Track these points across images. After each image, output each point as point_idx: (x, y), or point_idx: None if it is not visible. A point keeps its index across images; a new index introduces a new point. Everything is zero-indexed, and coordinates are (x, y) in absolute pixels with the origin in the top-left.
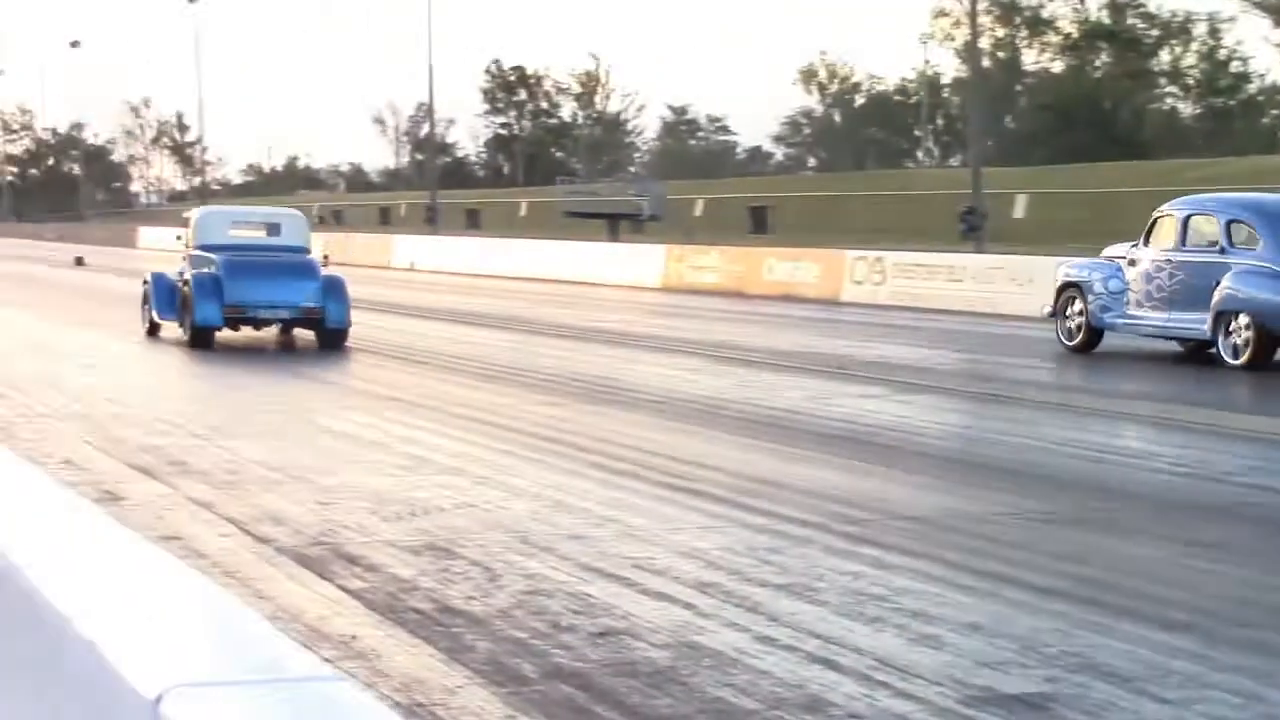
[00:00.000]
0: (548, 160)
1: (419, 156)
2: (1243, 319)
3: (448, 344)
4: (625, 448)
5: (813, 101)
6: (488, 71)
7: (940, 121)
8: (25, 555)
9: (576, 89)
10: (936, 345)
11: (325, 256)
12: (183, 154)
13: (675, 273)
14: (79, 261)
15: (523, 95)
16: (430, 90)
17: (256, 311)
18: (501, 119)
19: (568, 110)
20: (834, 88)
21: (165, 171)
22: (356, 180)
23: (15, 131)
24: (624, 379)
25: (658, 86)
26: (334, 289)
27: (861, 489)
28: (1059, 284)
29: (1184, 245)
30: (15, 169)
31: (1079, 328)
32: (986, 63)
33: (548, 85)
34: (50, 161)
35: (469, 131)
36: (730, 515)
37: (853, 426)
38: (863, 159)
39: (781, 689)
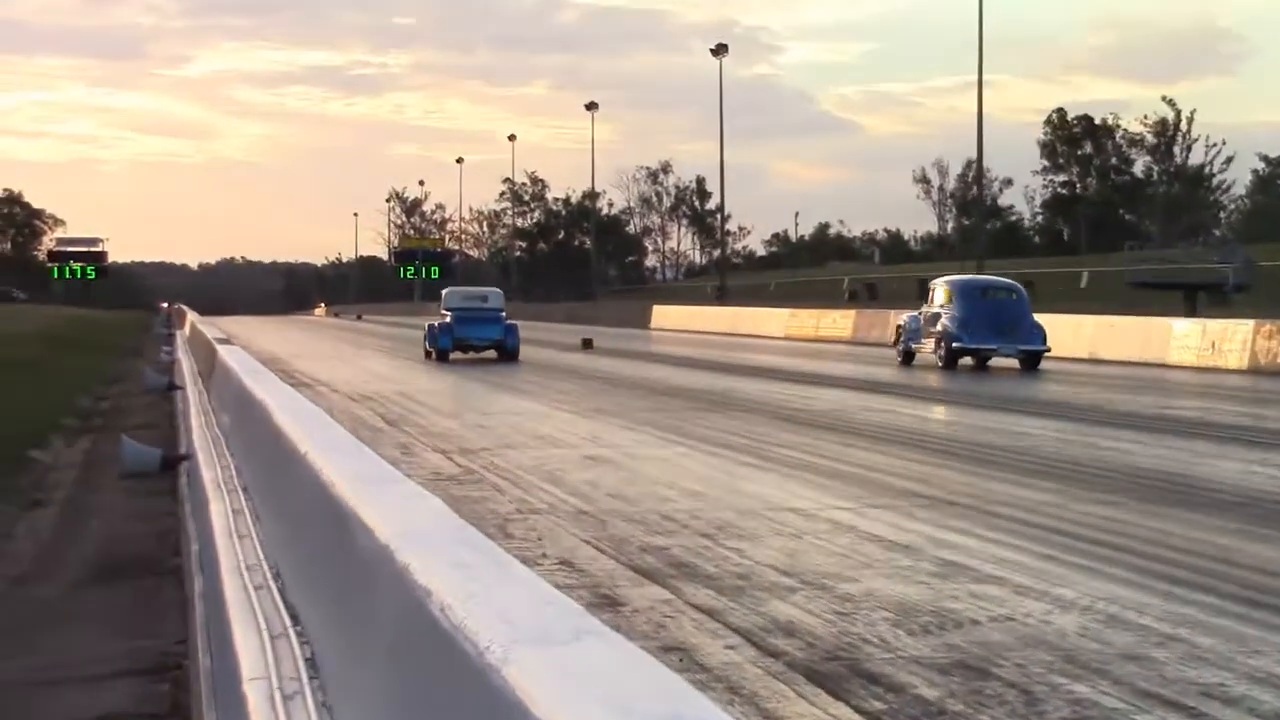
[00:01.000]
0: (1115, 223)
1: (966, 221)
2: (940, 341)
3: (979, 432)
4: (1194, 555)
5: None
6: (1048, 122)
7: None
8: (516, 669)
9: (1150, 140)
10: None
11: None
12: (702, 223)
13: (1266, 352)
14: (587, 344)
15: (1088, 148)
16: (979, 145)
17: (470, 342)
18: (1063, 177)
19: (1140, 165)
20: None
21: (683, 243)
22: (894, 249)
23: (525, 203)
24: (1197, 476)
25: (1248, 133)
26: (511, 330)
27: None
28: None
29: (930, 303)
30: (524, 243)
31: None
32: None
33: (1118, 136)
34: (560, 235)
35: (1024, 193)
36: None
37: None
38: None
39: None
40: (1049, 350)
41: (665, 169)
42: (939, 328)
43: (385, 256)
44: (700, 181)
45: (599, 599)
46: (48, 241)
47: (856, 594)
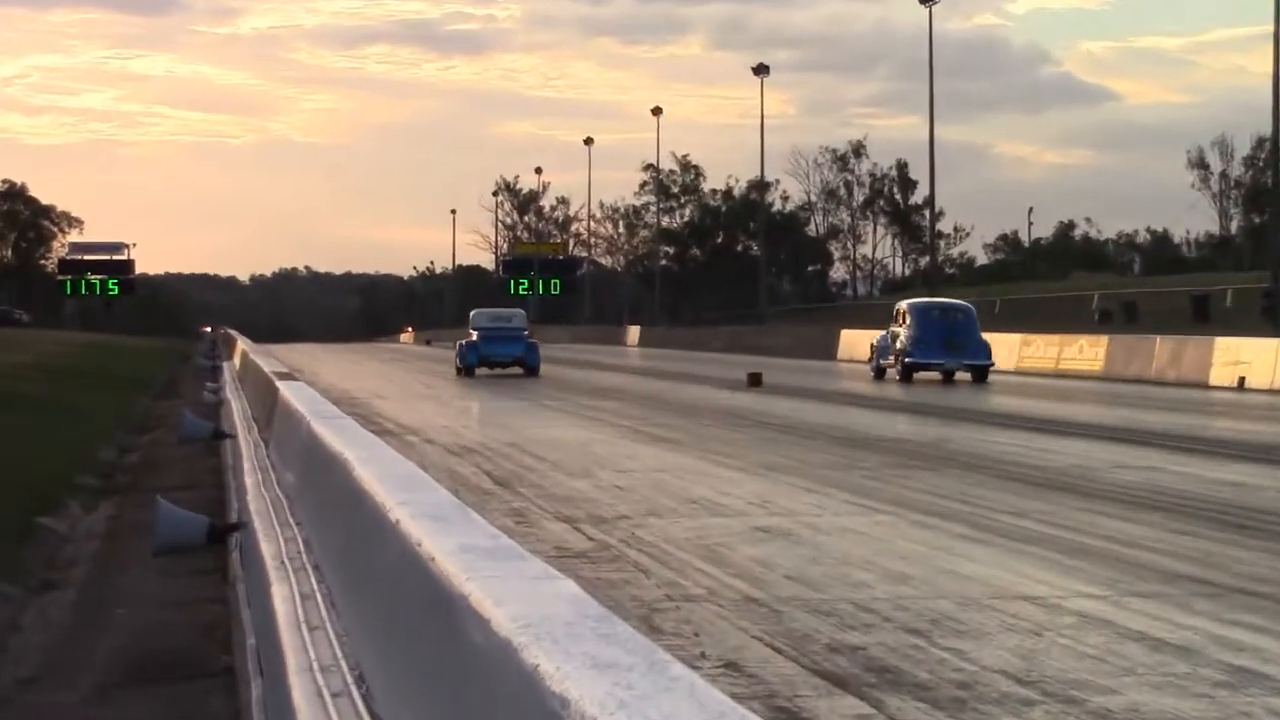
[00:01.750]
0: None
1: (1257, 219)
2: (898, 358)
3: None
4: None
5: None
6: None
7: None
8: None
9: None
10: None
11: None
12: (905, 222)
13: None
14: (754, 380)
15: None
16: (1276, 118)
17: (494, 359)
18: None
19: None
20: None
21: (880, 249)
22: (1160, 256)
23: (674, 197)
24: None
25: None
26: (532, 348)
27: None
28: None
29: (896, 323)
30: (671, 249)
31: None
32: None
33: None
34: (719, 238)
35: None
36: None
37: None
38: None
39: None
40: (993, 365)
41: (857, 151)
42: (898, 345)
43: (491, 266)
44: (902, 168)
45: (776, 713)
46: (58, 248)
47: (1116, 710)
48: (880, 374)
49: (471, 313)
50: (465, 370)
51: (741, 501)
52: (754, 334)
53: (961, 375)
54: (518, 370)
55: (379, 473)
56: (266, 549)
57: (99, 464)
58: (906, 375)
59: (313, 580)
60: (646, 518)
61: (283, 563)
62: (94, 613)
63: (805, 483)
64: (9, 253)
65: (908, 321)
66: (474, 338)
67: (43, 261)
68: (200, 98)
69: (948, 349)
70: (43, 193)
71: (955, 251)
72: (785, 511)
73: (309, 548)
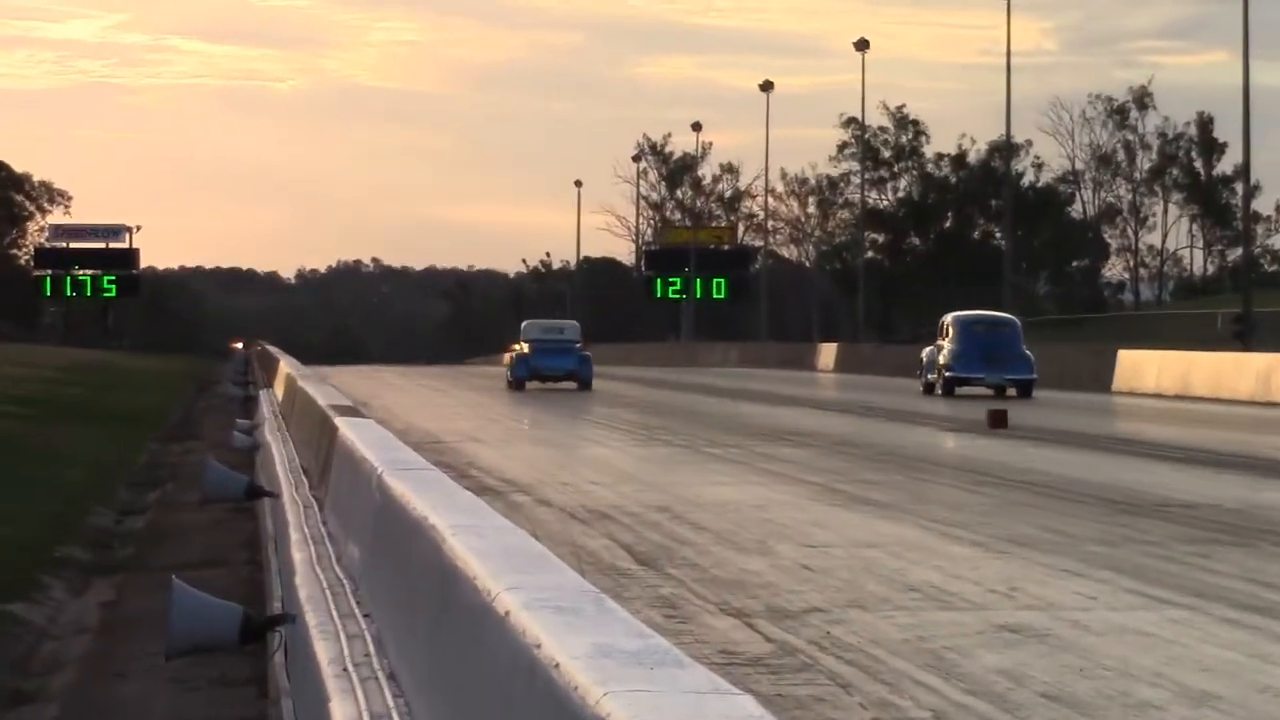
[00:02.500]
0: None
1: None
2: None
3: None
4: None
5: None
6: None
7: None
8: None
9: None
10: None
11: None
12: (1210, 200)
13: None
14: (996, 420)
15: None
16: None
17: (545, 372)
18: None
19: None
20: None
21: (1175, 237)
22: None
23: (884, 163)
24: None
25: None
26: (585, 360)
27: None
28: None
29: (941, 337)
30: (880, 236)
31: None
32: None
33: None
34: (946, 222)
35: None
36: None
37: None
38: None
39: None
40: (1035, 379)
41: (1140, 101)
42: (940, 360)
43: (630, 259)
44: (1205, 124)
45: None
46: (35, 232)
47: None
48: (929, 390)
49: (523, 324)
50: (515, 384)
51: (979, 589)
52: None
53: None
54: (662, 404)
55: (480, 546)
56: (322, 650)
57: (90, 531)
58: (949, 389)
59: (387, 695)
60: (847, 610)
61: (345, 670)
62: None
63: (1067, 563)
64: None
65: (951, 335)
66: (525, 350)
67: (14, 251)
68: (230, 25)
69: (988, 363)
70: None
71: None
72: (1040, 603)
73: (381, 649)
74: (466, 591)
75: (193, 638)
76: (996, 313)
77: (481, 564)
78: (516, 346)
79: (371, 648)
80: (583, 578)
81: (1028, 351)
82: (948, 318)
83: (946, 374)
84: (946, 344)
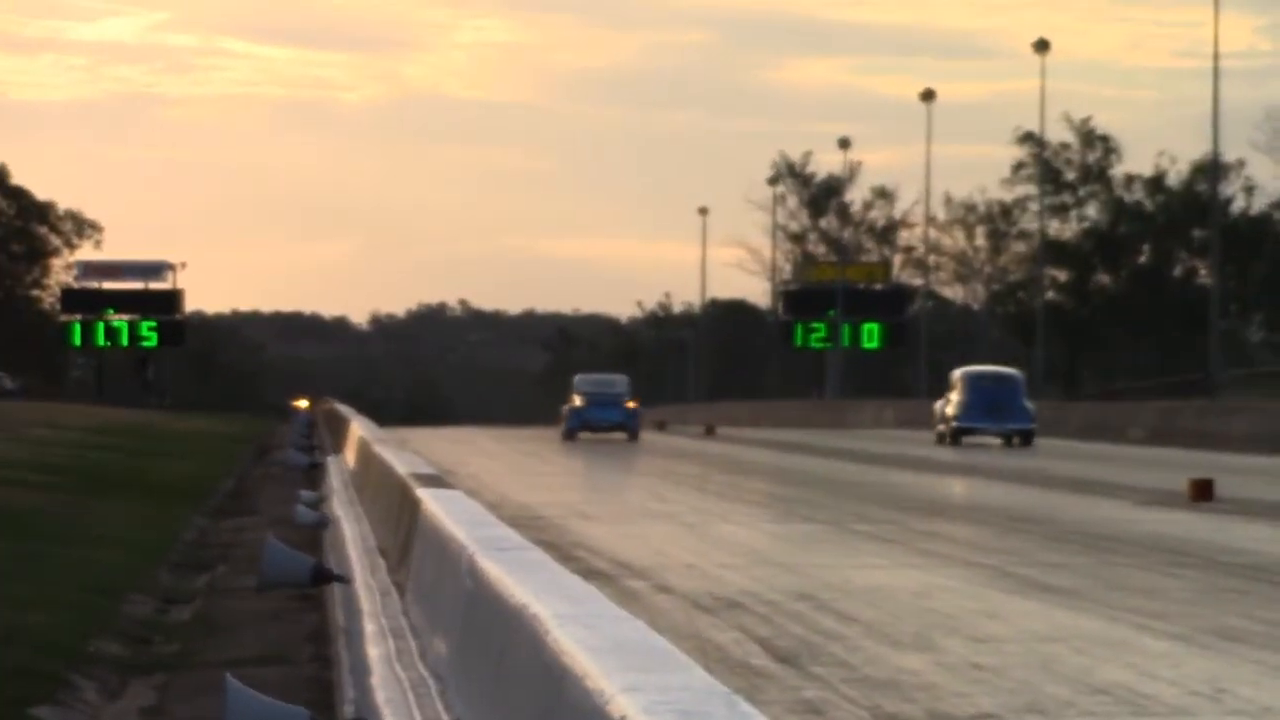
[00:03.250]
0: None
1: None
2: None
3: None
4: None
5: None
6: None
7: None
8: None
9: None
10: None
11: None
12: None
13: None
14: (1200, 491)
15: None
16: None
17: (595, 423)
18: None
19: None
20: None
21: None
22: None
23: (1069, 186)
24: None
25: None
26: (633, 415)
27: None
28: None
29: (950, 390)
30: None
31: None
32: None
33: None
34: (1141, 256)
35: None
36: None
37: None
38: None
39: None
40: (1035, 428)
41: None
42: (949, 411)
43: (765, 301)
44: None
45: None
46: (62, 270)
47: None
48: (941, 440)
49: (575, 378)
50: (568, 435)
51: (1179, 691)
52: (1201, 413)
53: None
54: (801, 472)
55: (590, 639)
56: None
57: (127, 622)
58: (955, 439)
59: None
60: (1023, 716)
61: None
62: None
63: None
64: None
65: (958, 388)
66: (578, 403)
67: (36, 292)
68: (290, 25)
69: (991, 414)
70: (37, 181)
71: None
72: (1251, 708)
73: None
74: (575, 693)
75: None
76: (1000, 368)
77: (593, 660)
78: (574, 398)
79: None
80: (711, 678)
81: (1028, 404)
82: (956, 373)
83: (954, 424)
84: (954, 396)
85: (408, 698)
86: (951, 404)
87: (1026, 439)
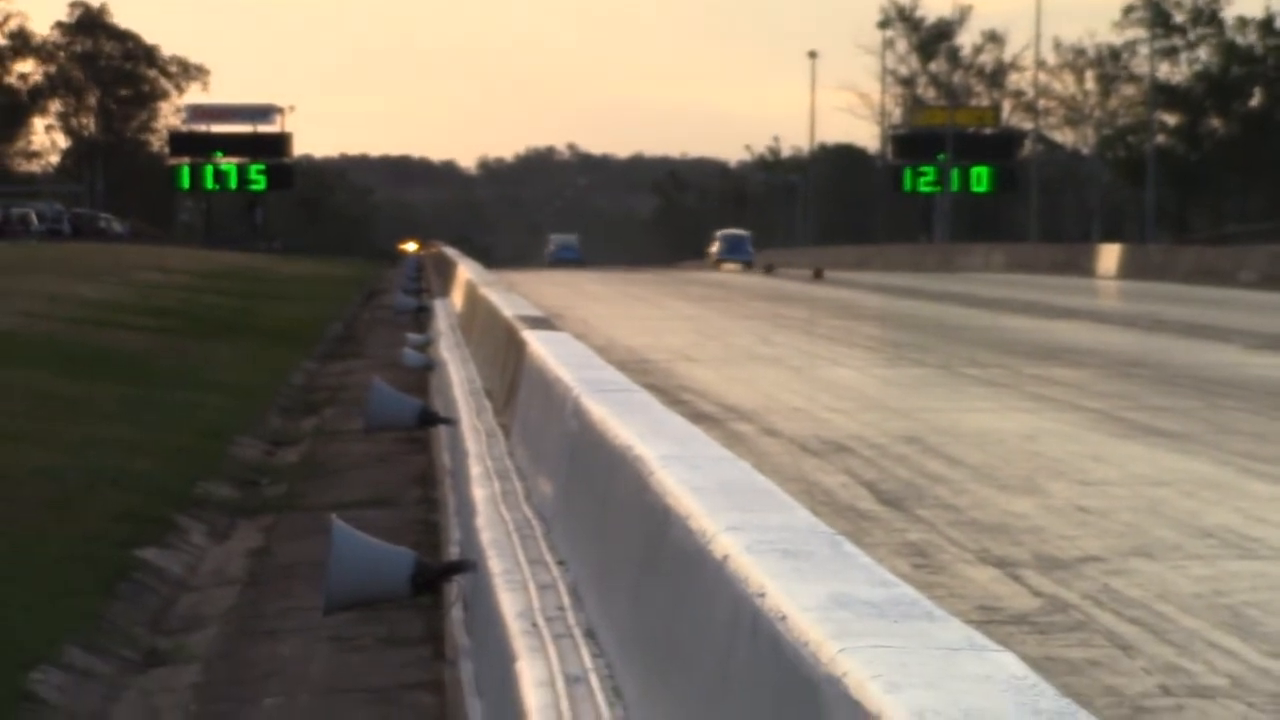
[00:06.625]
0: None
1: None
2: None
3: None
4: None
5: None
6: None
7: None
8: None
9: None
10: None
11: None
12: None
13: None
14: None
15: None
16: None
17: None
18: None
19: None
20: None
21: None
22: None
23: (1176, 30)
24: None
25: None
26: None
27: None
28: None
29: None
30: (1173, 117)
31: None
32: None
33: None
34: (1252, 98)
35: None
36: None
37: None
38: None
39: None
40: (752, 260)
41: None
42: (713, 250)
43: (875, 146)
44: None
45: None
46: (169, 114)
47: None
48: (713, 266)
49: (716, 232)
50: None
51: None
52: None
53: None
54: (910, 316)
55: (694, 480)
56: (508, 603)
57: (234, 465)
58: (716, 266)
59: (584, 654)
60: (1129, 560)
61: (535, 625)
62: (225, 706)
63: None
64: (90, 122)
65: (719, 240)
66: (715, 248)
67: (144, 137)
68: None
69: (733, 253)
70: (141, 24)
71: None
72: None
73: (577, 601)
74: (678, 533)
75: (356, 589)
76: (737, 230)
77: (696, 500)
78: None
79: (566, 600)
80: (815, 518)
81: (750, 248)
82: (716, 232)
83: (715, 257)
84: (716, 245)
85: (512, 539)
86: (716, 246)
87: (748, 266)
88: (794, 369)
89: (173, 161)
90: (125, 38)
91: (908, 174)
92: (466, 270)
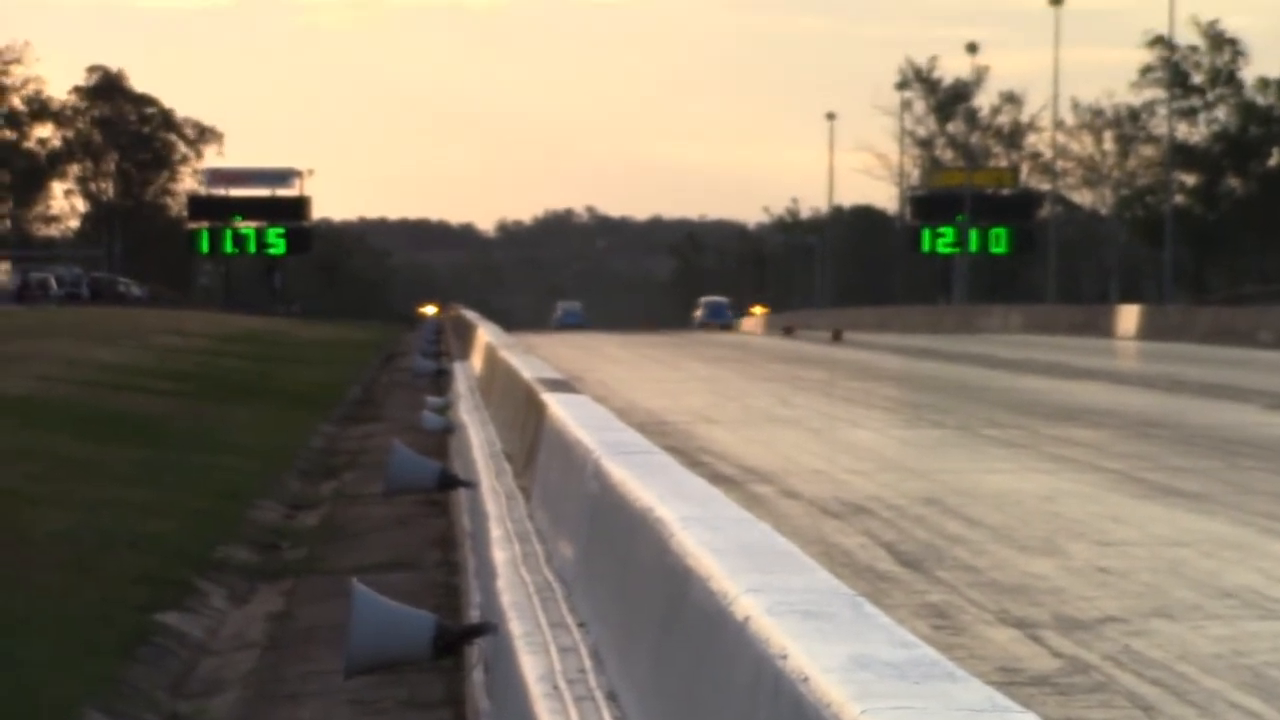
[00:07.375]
0: None
1: None
2: None
3: None
4: None
5: None
6: None
7: None
8: None
9: None
10: None
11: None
12: None
13: None
14: None
15: None
16: None
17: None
18: None
19: None
20: None
21: None
22: None
23: (1198, 90)
24: None
25: None
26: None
27: None
28: None
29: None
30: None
31: None
32: None
33: None
34: (1271, 158)
35: None
36: None
37: None
38: None
39: None
40: (733, 323)
41: None
42: (697, 314)
43: (893, 207)
44: None
45: None
46: (188, 177)
47: None
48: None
49: (700, 299)
50: (701, 327)
51: None
52: None
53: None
54: (930, 377)
55: (715, 541)
56: (529, 666)
57: (254, 529)
58: (701, 328)
59: (606, 718)
60: (1149, 620)
61: (556, 687)
62: None
63: None
64: (109, 186)
65: (701, 306)
66: (700, 312)
67: (163, 200)
68: None
69: (715, 316)
70: (159, 87)
71: None
72: None
73: (598, 663)
74: (699, 595)
75: (377, 652)
76: (718, 297)
77: (717, 562)
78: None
79: (587, 662)
80: (835, 579)
81: (730, 312)
82: (700, 299)
83: (699, 321)
84: (700, 309)
85: (533, 601)
86: (700, 311)
87: (727, 327)
88: (813, 430)
89: (192, 225)
90: (143, 102)
91: (926, 235)
92: (486, 333)
